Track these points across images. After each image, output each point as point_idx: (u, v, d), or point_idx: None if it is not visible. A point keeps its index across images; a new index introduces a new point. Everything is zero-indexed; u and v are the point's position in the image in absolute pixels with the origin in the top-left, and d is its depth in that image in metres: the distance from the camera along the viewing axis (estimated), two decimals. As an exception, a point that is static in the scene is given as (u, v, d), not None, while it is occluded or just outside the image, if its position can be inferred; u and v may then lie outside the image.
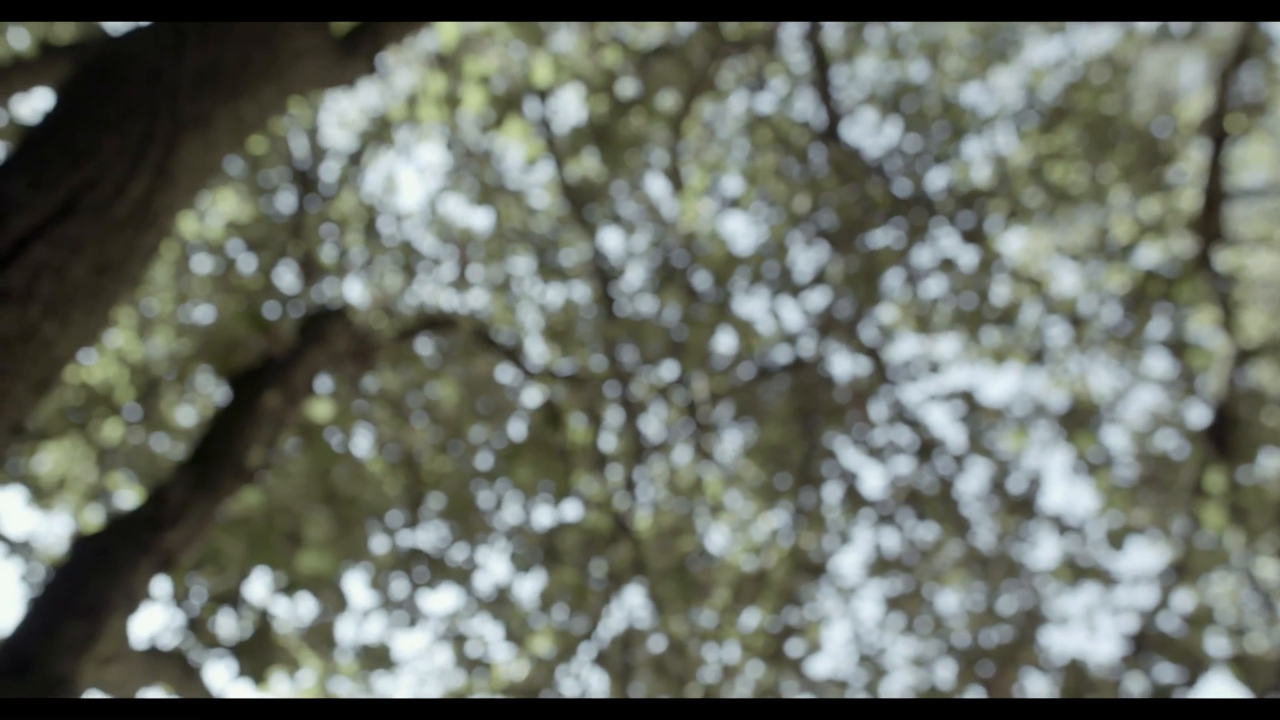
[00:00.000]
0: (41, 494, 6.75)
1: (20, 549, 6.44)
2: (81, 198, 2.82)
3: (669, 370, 7.49)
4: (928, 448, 7.39)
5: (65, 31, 6.44)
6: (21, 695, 3.14)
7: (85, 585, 3.54)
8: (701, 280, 7.55)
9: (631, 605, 7.18)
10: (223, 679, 7.58)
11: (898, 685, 7.47)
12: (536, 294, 7.81)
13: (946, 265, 7.52)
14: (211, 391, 6.94)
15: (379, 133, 7.47)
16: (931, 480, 7.41)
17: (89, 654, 3.37)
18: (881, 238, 7.50)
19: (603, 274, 7.49)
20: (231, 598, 4.84)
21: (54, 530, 7.08)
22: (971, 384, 7.44)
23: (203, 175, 3.31)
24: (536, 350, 7.49)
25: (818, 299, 7.57)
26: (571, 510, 7.02)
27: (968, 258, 7.53)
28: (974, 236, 7.48)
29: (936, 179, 7.78)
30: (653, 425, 7.49)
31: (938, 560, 7.54)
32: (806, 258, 7.60)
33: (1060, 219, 8.03)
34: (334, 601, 5.17)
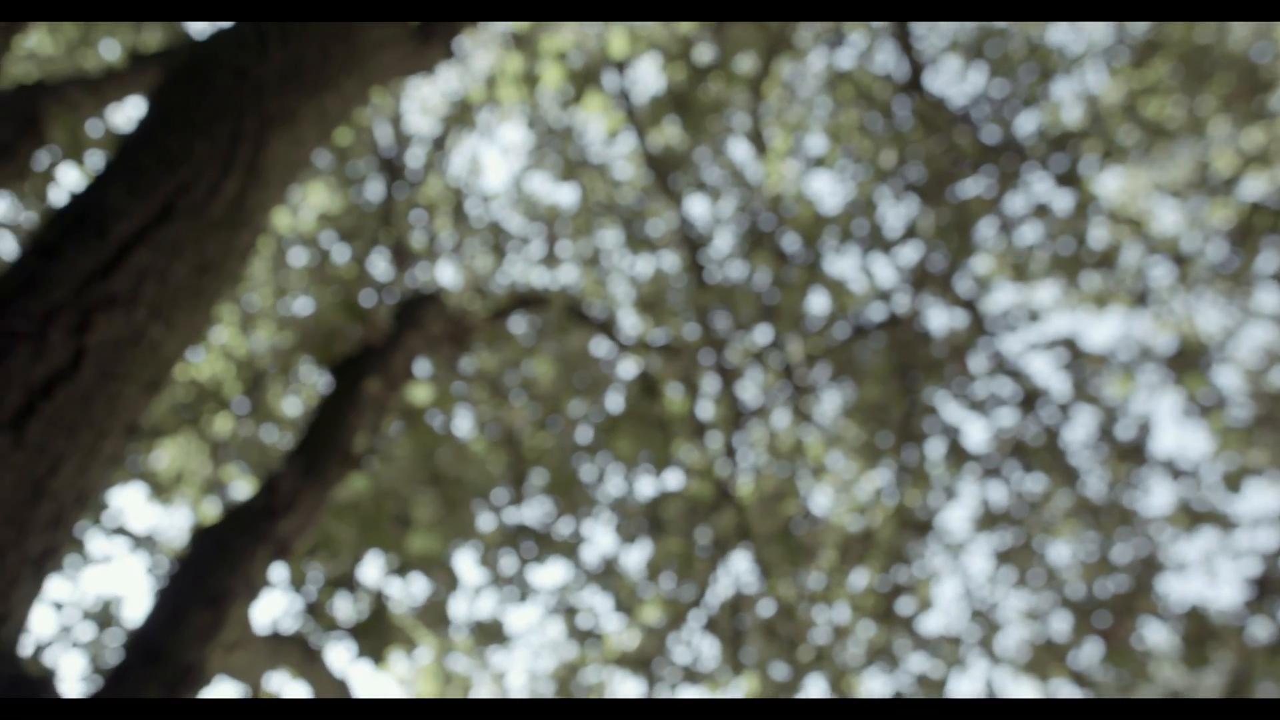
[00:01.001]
0: (160, 489, 6.99)
1: (144, 543, 6.68)
2: (178, 201, 2.90)
3: (763, 334, 7.46)
4: (1031, 398, 7.25)
5: (152, 40, 6.60)
6: (153, 684, 3.28)
7: (207, 575, 3.66)
8: (790, 242, 7.49)
9: (738, 571, 7.20)
10: (343, 660, 7.81)
11: (1012, 639, 7.38)
12: (626, 266, 7.83)
13: (1041, 211, 7.35)
14: (314, 381, 7.10)
15: (460, 116, 7.53)
16: (1037, 431, 7.28)
17: (214, 641, 3.49)
18: (972, 187, 7.35)
19: (691, 242, 7.47)
20: (347, 581, 4.96)
21: (175, 523, 7.32)
22: (1073, 330, 7.28)
23: (292, 170, 3.37)
24: (629, 322, 7.52)
25: (910, 253, 7.46)
26: (673, 479, 7.05)
27: (1063, 202, 7.35)
28: (1068, 179, 7.30)
29: (1026, 123, 7.60)
30: (750, 390, 7.48)
31: (1047, 512, 7.41)
32: (896, 212, 7.49)
33: (1158, 155, 7.79)
34: (446, 580, 5.27)
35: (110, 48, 6.86)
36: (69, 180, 5.31)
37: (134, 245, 2.74)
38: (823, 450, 7.89)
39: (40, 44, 6.69)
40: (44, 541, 2.37)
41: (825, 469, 7.94)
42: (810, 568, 7.42)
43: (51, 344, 2.50)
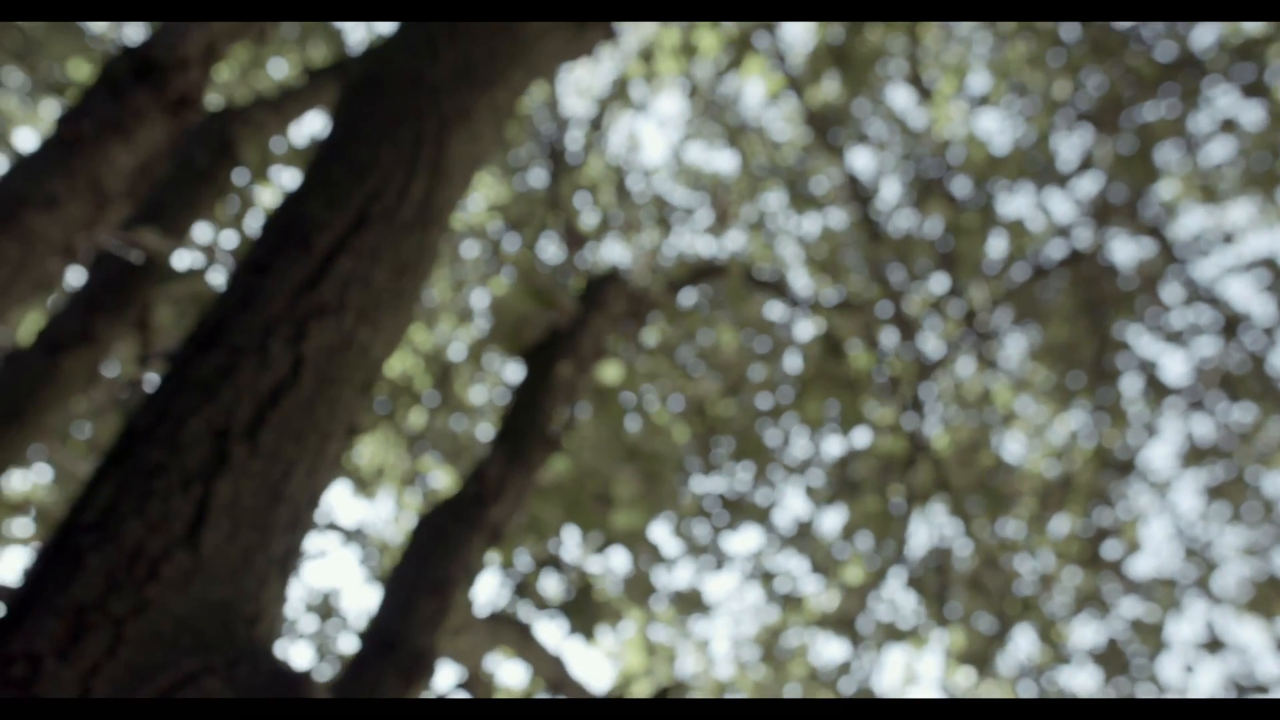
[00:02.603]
0: (364, 484, 7.28)
1: (354, 536, 6.98)
2: (371, 207, 3.00)
3: (939, 283, 7.30)
4: (1232, 324, 6.92)
5: (318, 55, 6.82)
6: (390, 672, 3.44)
7: (428, 564, 3.81)
8: (961, 186, 7.30)
9: (937, 525, 7.09)
10: (555, 637, 8.02)
11: (1232, 578, 7.09)
12: (793, 227, 7.76)
13: (1228, 126, 6.97)
14: (499, 369, 7.28)
15: (617, 93, 7.57)
16: (1241, 358, 6.94)
17: (441, 627, 3.63)
18: (1151, 110, 7.02)
19: (858, 196, 7.35)
20: (553, 561, 5.09)
21: (380, 516, 7.62)
22: (1273, 250, 6.91)
23: (472, 166, 3.45)
24: (803, 283, 7.46)
25: (1088, 185, 7.19)
26: (861, 438, 6.98)
27: (1251, 114, 6.96)
28: (1255, 90, 6.89)
29: (1203, 36, 7.21)
30: (931, 341, 7.34)
31: (1259, 442, 7.07)
32: (1070, 144, 7.22)
33: (1354, 54, 7.29)
34: (648, 554, 5.36)
35: (278, 67, 7.13)
36: (265, 198, 5.55)
37: (337, 254, 2.85)
38: (1011, 396, 7.70)
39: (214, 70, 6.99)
40: (285, 543, 2.49)
41: (1015, 415, 7.75)
42: (1010, 517, 7.27)
43: (273, 355, 2.62)
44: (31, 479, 6.14)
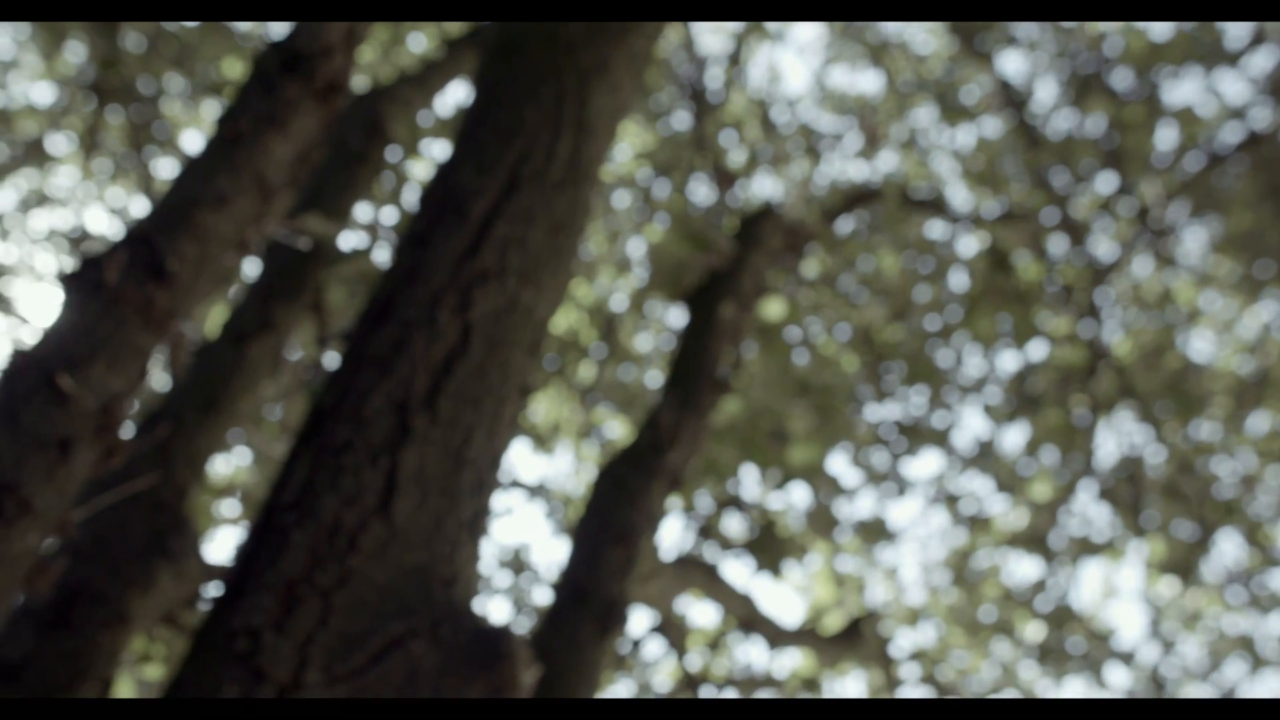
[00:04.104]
0: (542, 440, 7.44)
1: (538, 492, 7.15)
2: (521, 170, 3.04)
3: (1107, 182, 7.01)
4: None
5: (453, 25, 6.91)
6: (586, 622, 3.53)
7: (612, 514, 3.89)
8: (1121, 78, 6.96)
9: (1125, 433, 6.86)
10: (742, 576, 8.10)
11: None
12: (946, 141, 7.54)
13: None
14: (662, 316, 7.31)
15: (753, 25, 7.45)
16: None
17: (630, 574, 3.71)
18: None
19: (1012, 102, 7.09)
20: (734, 501, 5.11)
21: (561, 470, 7.79)
22: None
23: (615, 118, 3.45)
24: (962, 198, 7.26)
25: (1262, 61, 6.76)
26: (1038, 350, 6.78)
27: None
28: None
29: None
30: (1103, 244, 7.06)
31: None
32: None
33: None
34: (828, 486, 5.34)
35: (417, 41, 7.25)
36: (419, 171, 5.68)
37: (492, 220, 2.90)
38: (1195, 292, 7.37)
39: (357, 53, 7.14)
40: (472, 506, 2.57)
41: (1201, 312, 7.42)
42: (1203, 418, 6.97)
43: (442, 326, 2.69)
44: (234, 462, 6.50)
